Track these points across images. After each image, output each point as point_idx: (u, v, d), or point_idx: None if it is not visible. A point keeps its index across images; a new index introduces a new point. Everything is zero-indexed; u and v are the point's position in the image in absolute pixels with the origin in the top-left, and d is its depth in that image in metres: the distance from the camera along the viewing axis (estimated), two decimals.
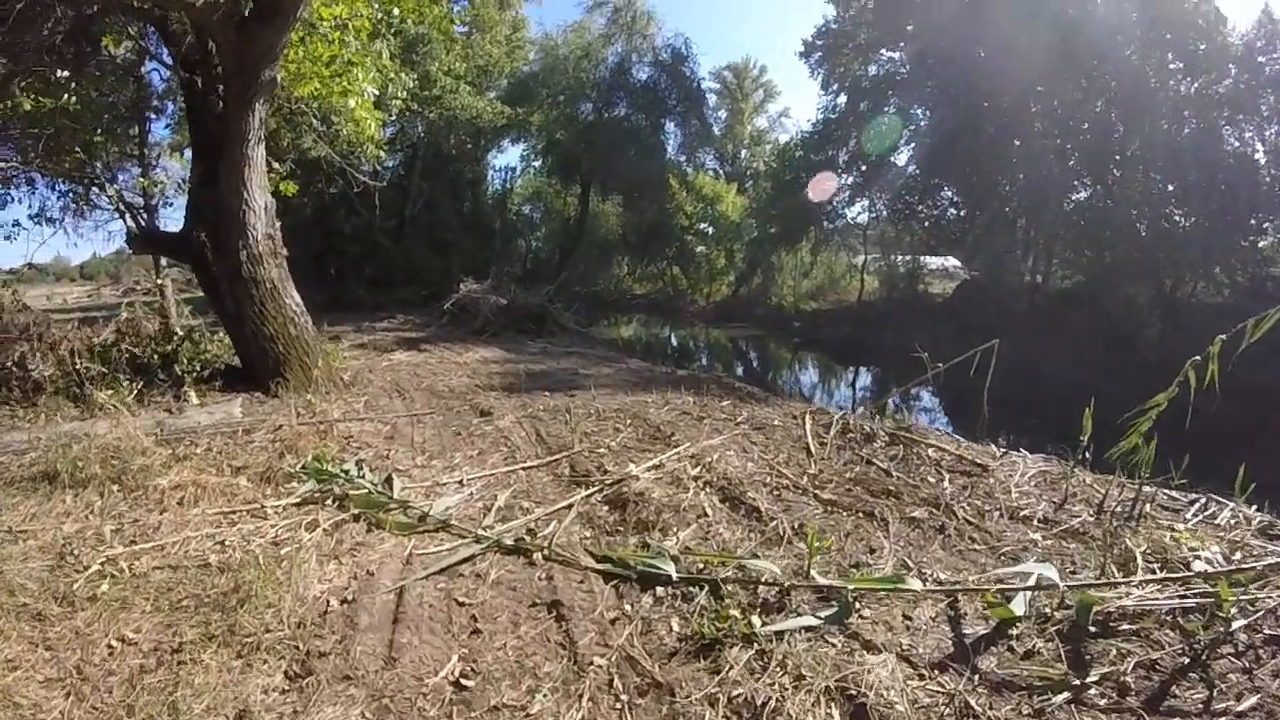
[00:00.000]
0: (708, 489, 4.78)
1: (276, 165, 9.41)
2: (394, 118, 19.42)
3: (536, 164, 34.38)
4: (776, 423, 6.41)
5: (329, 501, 4.79)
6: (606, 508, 4.62)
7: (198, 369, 7.99)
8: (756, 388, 9.79)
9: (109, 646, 3.12)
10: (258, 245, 7.77)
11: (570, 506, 4.66)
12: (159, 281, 15.44)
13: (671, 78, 30.55)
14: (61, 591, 3.53)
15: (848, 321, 23.57)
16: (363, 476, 5.09)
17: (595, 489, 4.93)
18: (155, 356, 8.13)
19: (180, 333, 8.66)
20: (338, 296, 21.36)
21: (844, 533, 3.99)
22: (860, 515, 4.23)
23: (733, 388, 9.14)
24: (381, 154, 11.78)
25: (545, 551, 3.90)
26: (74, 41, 8.38)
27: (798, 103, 77.80)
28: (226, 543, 4.18)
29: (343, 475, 5.06)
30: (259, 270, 7.80)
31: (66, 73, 8.26)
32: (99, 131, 8.99)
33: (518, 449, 5.99)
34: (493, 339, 14.24)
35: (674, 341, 25.61)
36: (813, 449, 5.49)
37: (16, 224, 11.32)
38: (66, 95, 8.27)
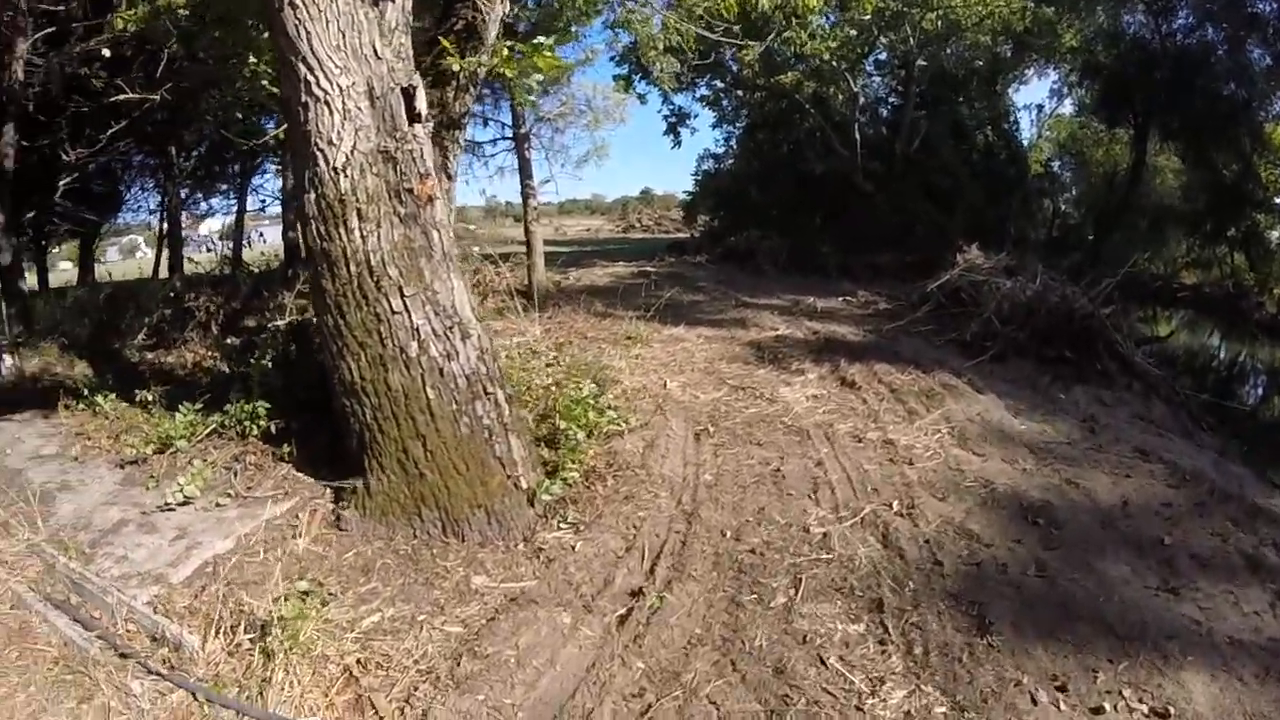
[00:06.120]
0: None
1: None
2: (868, 16, 13.67)
3: (1069, 103, 24.37)
4: None
5: None
6: None
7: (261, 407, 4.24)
8: None
9: None
10: (339, 179, 3.38)
11: None
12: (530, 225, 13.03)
13: None
14: None
15: None
16: None
17: None
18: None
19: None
20: (798, 256, 16.89)
21: None
22: None
23: None
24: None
25: None
26: None
27: None
28: None
29: None
30: (338, 235, 3.43)
31: None
32: None
33: None
34: (992, 366, 7.50)
35: (1222, 356, 15.47)
36: None
37: None
38: None
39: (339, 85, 3.33)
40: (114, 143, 10.80)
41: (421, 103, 3.61)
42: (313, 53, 3.28)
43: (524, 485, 3.70)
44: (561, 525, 3.63)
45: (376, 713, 2.35)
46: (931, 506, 4.04)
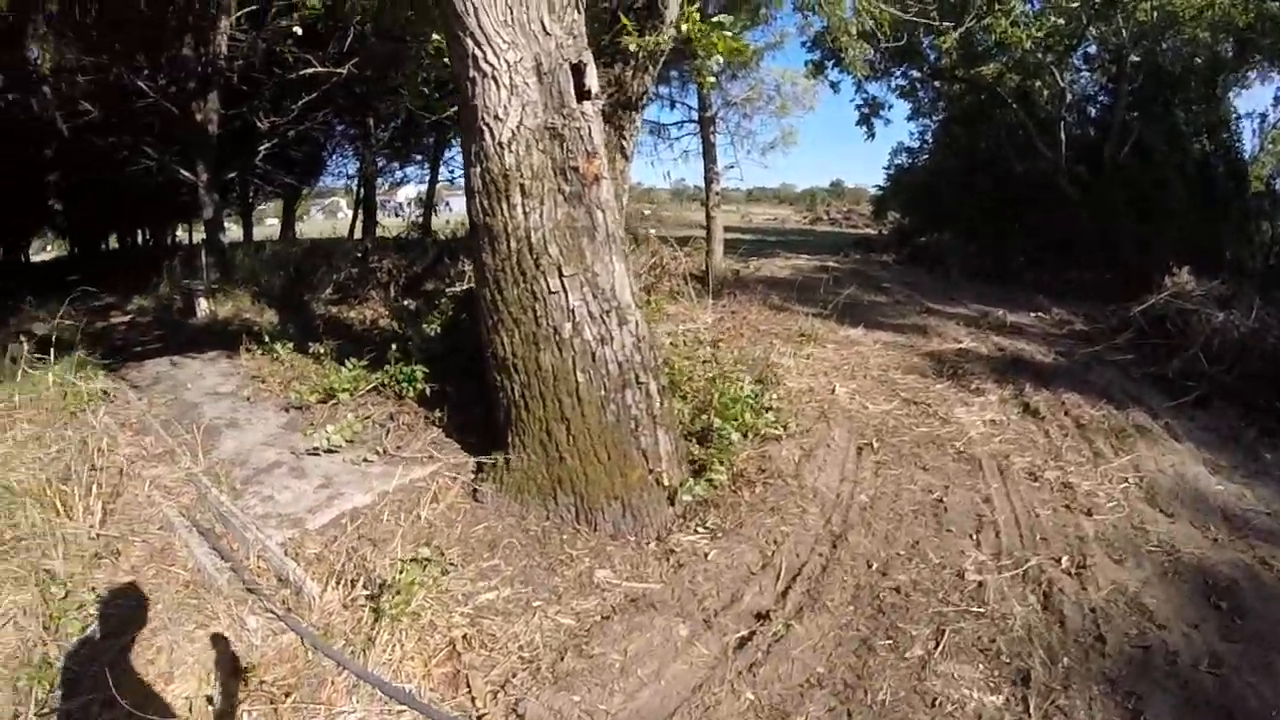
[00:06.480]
0: None
1: None
2: (1075, 4, 12.23)
3: None
4: None
5: None
6: None
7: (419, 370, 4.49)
8: None
9: None
10: (504, 155, 3.39)
11: None
12: (711, 210, 12.95)
13: None
14: None
15: None
16: None
17: None
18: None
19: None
20: (991, 262, 15.72)
21: None
22: None
23: None
24: None
25: None
26: None
27: None
28: None
29: None
30: (500, 210, 3.44)
31: None
32: None
33: None
34: (1193, 410, 6.32)
35: None
36: None
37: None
38: None
39: (506, 60, 3.31)
40: (307, 113, 11.78)
41: (592, 80, 3.53)
42: (480, 28, 3.27)
43: (665, 482, 3.58)
44: (699, 529, 3.46)
45: (470, 693, 2.33)
46: (1105, 569, 3.48)
